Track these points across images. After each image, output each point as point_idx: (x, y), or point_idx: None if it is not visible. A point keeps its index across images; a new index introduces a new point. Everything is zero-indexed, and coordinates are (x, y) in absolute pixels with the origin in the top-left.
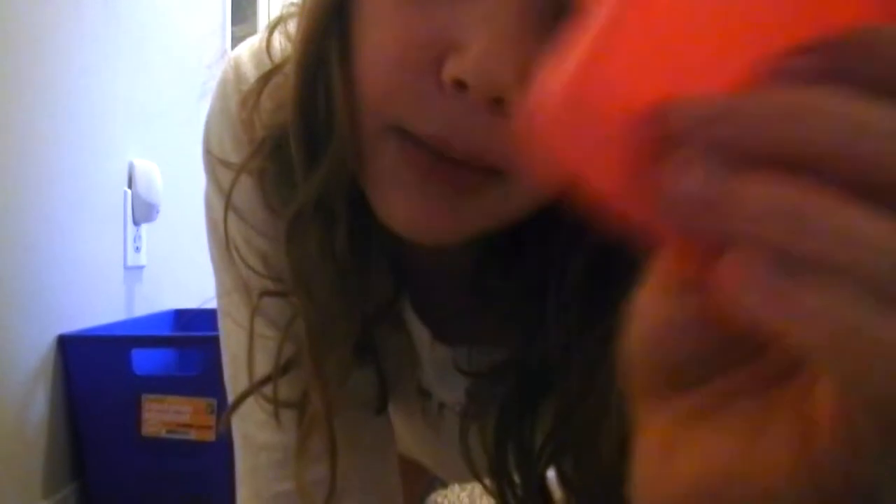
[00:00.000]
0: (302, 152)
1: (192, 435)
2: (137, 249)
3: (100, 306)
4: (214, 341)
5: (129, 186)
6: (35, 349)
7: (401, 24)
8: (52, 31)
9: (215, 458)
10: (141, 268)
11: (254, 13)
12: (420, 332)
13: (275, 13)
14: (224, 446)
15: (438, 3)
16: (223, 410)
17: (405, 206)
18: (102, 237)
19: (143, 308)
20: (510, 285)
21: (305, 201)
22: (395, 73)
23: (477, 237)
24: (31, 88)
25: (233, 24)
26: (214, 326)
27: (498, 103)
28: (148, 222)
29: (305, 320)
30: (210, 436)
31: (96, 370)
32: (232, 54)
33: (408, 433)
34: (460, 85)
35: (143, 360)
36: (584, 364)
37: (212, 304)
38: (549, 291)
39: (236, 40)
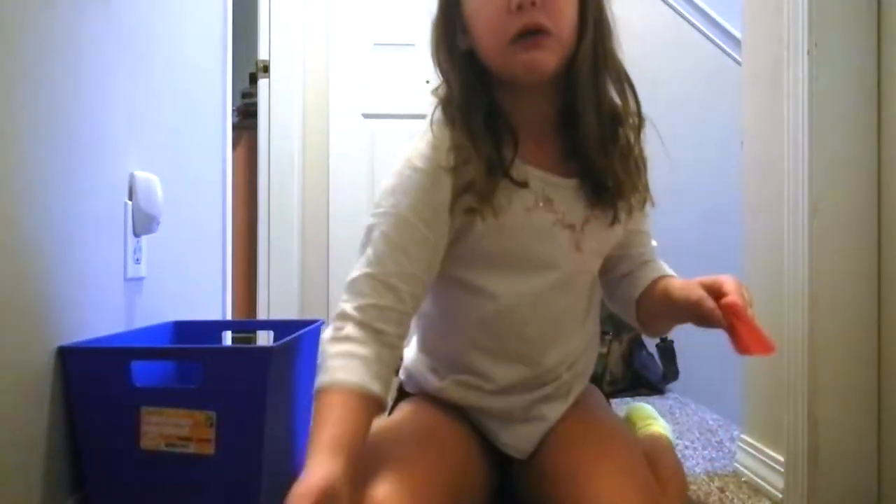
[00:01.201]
0: (466, 101)
1: (192, 448)
2: (137, 261)
3: (99, 318)
4: (214, 353)
5: (130, 198)
6: (34, 361)
7: (488, 6)
8: (53, 43)
9: (214, 471)
10: (141, 279)
11: (254, 28)
12: (525, 168)
13: (274, 19)
14: (223, 460)
15: None
16: (222, 423)
17: (524, 59)
18: (102, 248)
19: (142, 320)
20: (573, 132)
21: (476, 119)
22: (498, 21)
23: (552, 78)
24: (32, 100)
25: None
26: (214, 339)
27: (534, 5)
28: (148, 234)
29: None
30: (209, 449)
31: (96, 382)
32: (412, 152)
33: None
34: (519, 6)
35: (143, 372)
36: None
37: (210, 316)
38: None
39: (237, 57)
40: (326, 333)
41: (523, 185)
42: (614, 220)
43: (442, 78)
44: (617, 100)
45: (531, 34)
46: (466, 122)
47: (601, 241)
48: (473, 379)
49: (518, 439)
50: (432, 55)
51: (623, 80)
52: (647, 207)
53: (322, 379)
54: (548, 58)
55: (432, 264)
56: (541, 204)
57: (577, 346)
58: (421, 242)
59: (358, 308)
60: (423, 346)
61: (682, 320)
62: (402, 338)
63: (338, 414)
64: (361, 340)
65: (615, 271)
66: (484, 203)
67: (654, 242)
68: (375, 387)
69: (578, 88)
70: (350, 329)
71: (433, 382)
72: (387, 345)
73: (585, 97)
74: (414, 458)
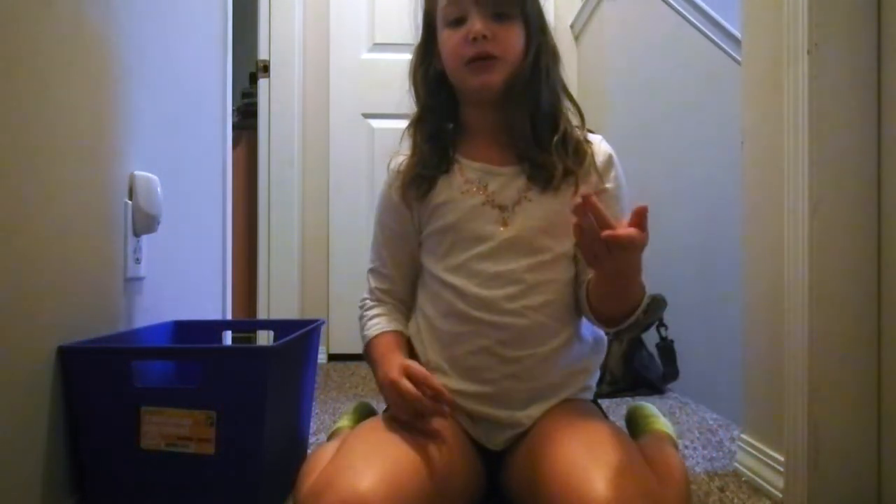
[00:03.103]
0: (429, 105)
1: (192, 448)
2: (137, 261)
3: (100, 318)
4: (214, 353)
5: (130, 198)
6: (35, 361)
7: (453, 36)
8: (53, 42)
9: (214, 471)
10: (141, 279)
11: (254, 28)
12: (470, 163)
13: (274, 19)
14: (223, 460)
15: (459, 27)
16: (222, 423)
17: (477, 80)
18: (103, 248)
19: (142, 320)
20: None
21: (433, 120)
22: (459, 48)
23: (501, 91)
24: (32, 100)
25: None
26: (214, 338)
27: (485, 38)
28: (148, 234)
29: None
30: (209, 449)
31: (96, 382)
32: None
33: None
34: (474, 39)
35: (143, 372)
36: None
37: (210, 316)
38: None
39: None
40: (359, 313)
41: (457, 174)
42: (546, 187)
43: (413, 96)
44: (557, 106)
45: (482, 60)
46: (420, 135)
47: (538, 218)
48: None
49: (488, 432)
50: (409, 75)
51: (559, 91)
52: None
53: (365, 337)
54: (495, 78)
55: (410, 248)
56: (474, 189)
57: (536, 308)
58: (395, 239)
59: (369, 291)
60: (419, 329)
61: (604, 270)
62: (402, 300)
63: (384, 348)
64: (377, 306)
65: (584, 277)
66: (423, 187)
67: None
68: (395, 326)
69: (513, 100)
70: (368, 303)
71: (423, 362)
72: (391, 304)
73: (520, 106)
74: (399, 450)
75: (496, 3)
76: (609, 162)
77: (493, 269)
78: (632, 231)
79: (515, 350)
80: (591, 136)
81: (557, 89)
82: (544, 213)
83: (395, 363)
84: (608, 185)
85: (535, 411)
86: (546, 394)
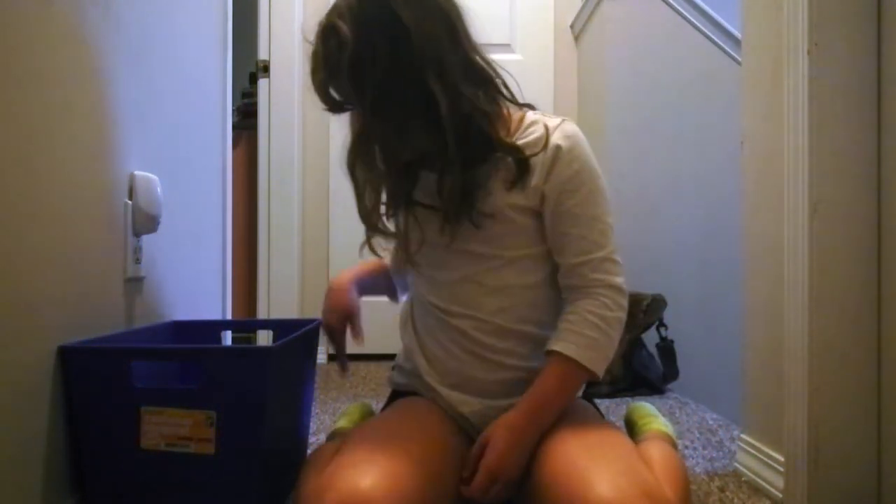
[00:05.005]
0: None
1: (192, 448)
2: (138, 261)
3: (99, 318)
4: (214, 353)
5: (130, 198)
6: (34, 361)
7: None
8: (53, 41)
9: (214, 471)
10: (141, 279)
11: (254, 28)
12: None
13: (274, 19)
14: (223, 460)
15: None
16: (222, 423)
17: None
18: (102, 248)
19: (142, 320)
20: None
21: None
22: None
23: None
24: (32, 100)
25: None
26: (214, 338)
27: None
28: (148, 234)
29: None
30: (209, 449)
31: (96, 382)
32: None
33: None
34: None
35: (143, 373)
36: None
37: (210, 316)
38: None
39: (237, 56)
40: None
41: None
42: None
43: None
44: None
45: None
46: None
47: (479, 232)
48: (432, 313)
49: (476, 426)
50: None
51: (425, 134)
52: (589, 211)
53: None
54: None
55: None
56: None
57: (508, 313)
58: None
59: None
60: (408, 321)
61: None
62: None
63: (366, 263)
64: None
65: (559, 278)
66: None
67: (602, 253)
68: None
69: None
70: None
71: (411, 352)
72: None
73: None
74: (401, 448)
75: (332, 110)
76: (553, 160)
77: (440, 276)
78: (473, 491)
79: (473, 345)
80: (527, 140)
81: (416, 139)
82: (487, 230)
83: (355, 270)
84: (547, 187)
85: (513, 402)
86: (522, 386)
